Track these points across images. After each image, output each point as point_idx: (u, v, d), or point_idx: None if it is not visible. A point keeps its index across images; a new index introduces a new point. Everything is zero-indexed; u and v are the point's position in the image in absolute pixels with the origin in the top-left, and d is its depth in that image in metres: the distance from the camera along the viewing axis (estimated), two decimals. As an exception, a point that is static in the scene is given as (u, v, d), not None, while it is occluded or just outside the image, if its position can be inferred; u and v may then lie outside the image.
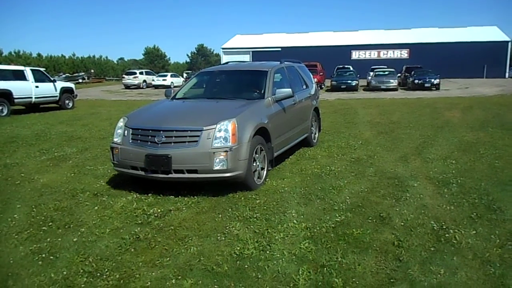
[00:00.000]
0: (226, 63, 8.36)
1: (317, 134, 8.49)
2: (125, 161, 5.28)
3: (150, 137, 5.12)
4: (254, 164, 5.32)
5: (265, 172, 5.67)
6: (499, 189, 5.06)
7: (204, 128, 4.96)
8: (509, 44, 46.00)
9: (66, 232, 4.12)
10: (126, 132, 5.39)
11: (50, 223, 4.34)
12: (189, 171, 4.95)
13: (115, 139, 5.47)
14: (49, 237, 3.98)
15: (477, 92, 23.55)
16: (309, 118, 7.87)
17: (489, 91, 24.42)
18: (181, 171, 4.96)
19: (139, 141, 5.22)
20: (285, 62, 7.52)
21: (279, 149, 6.26)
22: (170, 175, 5.00)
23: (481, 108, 14.52)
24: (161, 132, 5.04)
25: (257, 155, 5.38)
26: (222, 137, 4.93)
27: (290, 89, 6.49)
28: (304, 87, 7.95)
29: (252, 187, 5.28)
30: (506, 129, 9.50)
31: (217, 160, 4.87)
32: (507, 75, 45.00)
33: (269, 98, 6.10)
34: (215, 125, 4.97)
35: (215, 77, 7.42)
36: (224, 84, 7.17)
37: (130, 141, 5.28)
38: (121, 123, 5.57)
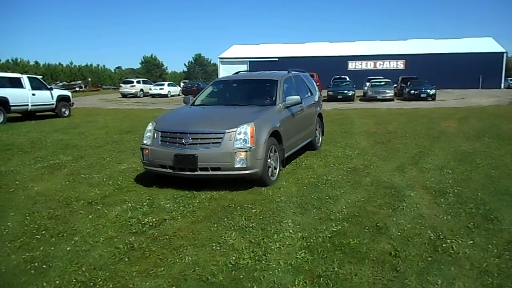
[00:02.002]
0: (237, 73, 8.93)
1: (320, 138, 9.05)
2: (154, 160, 5.87)
3: (178, 139, 5.71)
4: (269, 163, 5.90)
5: (277, 170, 6.22)
6: (495, 199, 5.06)
7: (226, 131, 5.57)
8: (505, 55, 46.53)
9: (60, 240, 4.07)
10: (155, 135, 5.99)
11: (44, 232, 4.29)
12: (213, 169, 5.55)
13: (145, 141, 6.08)
14: (42, 246, 3.93)
15: (472, 103, 23.70)
16: (314, 123, 8.46)
17: (485, 101, 24.59)
18: (206, 169, 5.55)
19: (167, 143, 5.82)
20: (292, 72, 8.10)
21: (289, 151, 6.87)
22: (196, 173, 5.58)
23: (477, 118, 14.60)
24: (188, 134, 5.65)
25: (271, 155, 5.97)
26: (242, 139, 5.54)
27: (298, 97, 7.12)
28: (309, 94, 8.51)
29: (267, 183, 5.85)
30: (502, 139, 9.53)
31: (238, 159, 5.48)
32: (502, 85, 45.38)
33: (280, 105, 6.71)
34: (236, 128, 5.58)
35: (229, 85, 8.05)
36: (238, 92, 7.67)
37: (160, 143, 5.87)
38: (150, 127, 6.17)
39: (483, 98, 27.48)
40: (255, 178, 5.75)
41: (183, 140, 5.62)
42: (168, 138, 5.84)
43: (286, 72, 7.89)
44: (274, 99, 6.80)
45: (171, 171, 5.72)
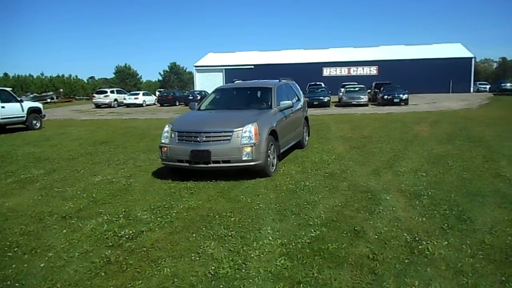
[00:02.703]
0: (234, 81, 10.42)
1: (307, 138, 10.23)
2: (172, 156, 6.83)
3: (193, 137, 6.72)
4: (269, 156, 6.91)
5: (275, 162, 7.32)
6: (468, 200, 5.20)
7: (234, 129, 6.61)
8: (473, 60, 48.12)
9: (33, 257, 3.94)
10: (172, 135, 6.95)
11: (16, 249, 4.14)
12: (224, 162, 6.57)
13: (163, 141, 7.03)
14: (14, 263, 3.79)
15: (444, 107, 24.38)
16: (302, 125, 9.60)
17: (455, 105, 25.34)
18: (218, 162, 6.56)
19: (184, 141, 6.79)
20: (282, 80, 9.19)
21: (283, 147, 7.93)
22: (209, 165, 6.57)
23: (448, 122, 15.02)
24: (202, 133, 6.65)
25: (270, 151, 6.99)
26: (248, 136, 6.59)
27: (290, 101, 8.44)
28: (297, 99, 9.59)
29: (268, 173, 6.89)
30: (472, 142, 9.83)
31: (245, 152, 6.52)
32: (471, 89, 46.91)
33: (275, 108, 7.82)
34: (242, 127, 6.64)
35: (229, 92, 9.19)
36: (238, 98, 8.76)
37: (177, 141, 6.84)
38: (167, 128, 7.15)
39: (453, 102, 28.31)
40: (259, 169, 6.75)
41: (198, 138, 6.64)
42: (184, 137, 6.81)
43: (278, 80, 8.94)
44: (269, 103, 7.90)
45: (187, 164, 6.68)
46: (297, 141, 9.16)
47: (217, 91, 9.19)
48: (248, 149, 6.50)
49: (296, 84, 10.37)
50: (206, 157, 6.49)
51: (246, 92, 9.04)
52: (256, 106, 7.95)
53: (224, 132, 6.64)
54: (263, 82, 9.12)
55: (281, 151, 7.72)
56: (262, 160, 6.67)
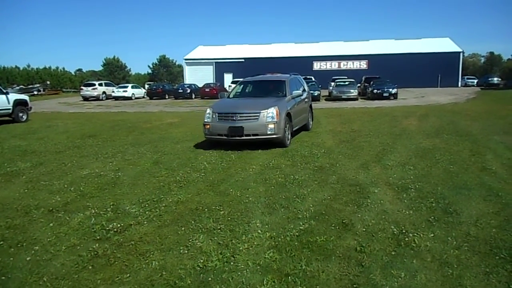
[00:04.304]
0: (255, 75, 12.23)
1: (311, 122, 12.36)
2: (214, 131, 9.07)
3: (230, 117, 8.93)
4: (286, 132, 9.12)
5: (290, 138, 9.47)
6: (454, 193, 5.27)
7: (261, 111, 8.81)
8: (461, 54, 48.51)
9: (19, 251, 3.90)
10: (213, 115, 9.15)
11: (1, 242, 4.10)
12: (253, 135, 8.78)
13: (206, 120, 9.24)
14: (0, 257, 3.74)
15: (432, 101, 24.61)
16: (307, 111, 11.81)
17: (443, 99, 25.59)
18: (249, 135, 8.77)
19: (223, 120, 9.01)
20: (292, 74, 11.59)
21: (295, 127, 10.25)
22: (242, 137, 8.77)
23: (436, 116, 15.17)
24: (237, 114, 8.88)
25: (286, 128, 9.17)
26: (271, 116, 8.76)
27: (300, 91, 11.06)
28: (303, 90, 11.67)
29: (285, 144, 9.08)
30: (459, 135, 9.95)
31: (269, 128, 8.71)
32: (459, 84, 47.38)
33: (289, 96, 10.02)
34: (267, 110, 8.82)
35: (252, 84, 11.28)
36: (259, 88, 10.92)
37: (217, 120, 9.06)
38: (209, 110, 9.37)
39: (441, 96, 28.59)
40: (278, 141, 8.93)
41: (234, 118, 8.85)
42: (223, 117, 9.02)
43: (289, 75, 11.29)
44: (284, 92, 10.11)
45: (225, 137, 8.89)
46: (304, 124, 11.33)
47: (242, 83, 11.49)
48: (272, 126, 8.68)
49: (302, 78, 12.63)
50: (240, 131, 8.70)
51: (265, 83, 11.19)
52: (274, 94, 10.14)
53: (254, 113, 8.82)
54: (278, 76, 11.57)
55: (293, 129, 9.99)
56: (281, 134, 8.86)
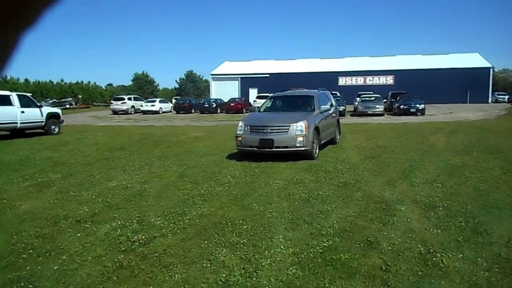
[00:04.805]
0: (283, 90, 12.69)
1: (338, 136, 12.55)
2: (245, 143, 9.46)
3: (261, 129, 9.32)
4: (314, 145, 9.35)
5: (317, 151, 9.71)
6: (484, 212, 5.09)
7: (291, 124, 9.14)
8: (491, 70, 47.31)
9: (47, 260, 4.00)
10: (245, 128, 9.54)
11: (31, 251, 4.21)
12: (283, 147, 9.10)
13: (238, 132, 9.60)
14: (29, 265, 3.85)
15: (460, 117, 24.01)
16: (335, 125, 12.09)
17: (472, 116, 24.93)
18: (278, 147, 9.09)
19: (254, 132, 9.40)
20: (321, 90, 12.00)
21: (323, 140, 10.41)
22: (272, 149, 9.09)
23: (465, 133, 14.78)
24: (268, 127, 9.26)
25: (314, 141, 9.40)
26: (300, 129, 9.05)
27: (328, 106, 11.20)
28: (330, 105, 11.85)
29: (313, 157, 9.30)
30: (490, 153, 9.65)
31: (298, 140, 9.02)
32: (490, 100, 46.10)
33: (317, 111, 10.34)
34: (296, 123, 9.13)
35: (281, 99, 11.67)
36: (288, 103, 11.21)
37: (249, 133, 9.45)
38: (241, 123, 9.76)
39: (470, 113, 27.86)
40: (306, 153, 9.17)
41: (265, 130, 9.22)
42: (254, 129, 9.43)
43: (317, 90, 11.72)
44: (313, 107, 10.42)
45: (256, 149, 9.25)
46: (331, 138, 11.51)
47: (272, 98, 11.97)
48: (301, 138, 8.99)
49: (329, 93, 13.02)
50: (270, 143, 9.08)
51: (294, 98, 11.71)
52: (302, 109, 10.48)
53: (284, 126, 9.18)
54: (306, 92, 12.30)
55: (321, 142, 10.22)
56: (309, 147, 9.15)
